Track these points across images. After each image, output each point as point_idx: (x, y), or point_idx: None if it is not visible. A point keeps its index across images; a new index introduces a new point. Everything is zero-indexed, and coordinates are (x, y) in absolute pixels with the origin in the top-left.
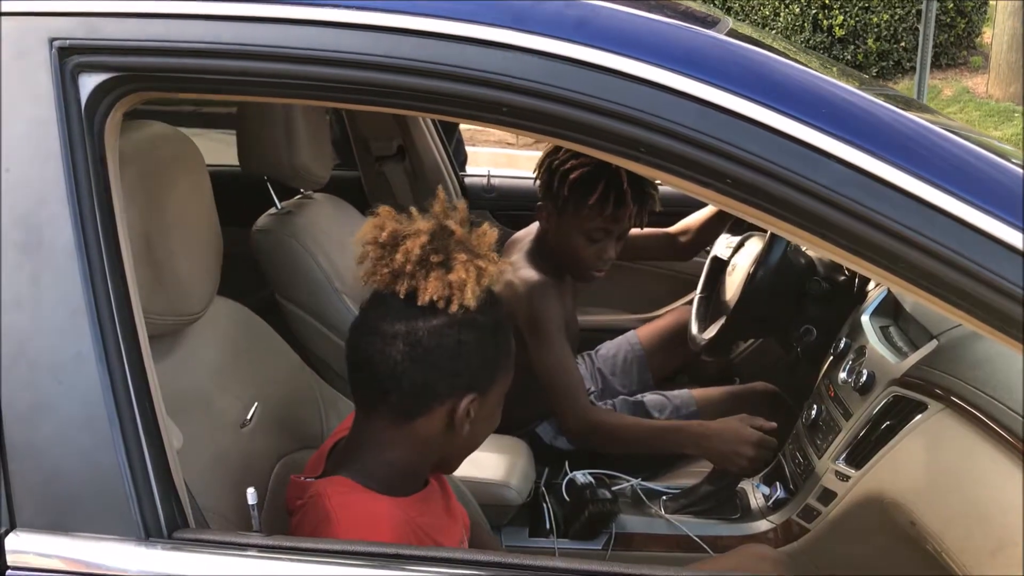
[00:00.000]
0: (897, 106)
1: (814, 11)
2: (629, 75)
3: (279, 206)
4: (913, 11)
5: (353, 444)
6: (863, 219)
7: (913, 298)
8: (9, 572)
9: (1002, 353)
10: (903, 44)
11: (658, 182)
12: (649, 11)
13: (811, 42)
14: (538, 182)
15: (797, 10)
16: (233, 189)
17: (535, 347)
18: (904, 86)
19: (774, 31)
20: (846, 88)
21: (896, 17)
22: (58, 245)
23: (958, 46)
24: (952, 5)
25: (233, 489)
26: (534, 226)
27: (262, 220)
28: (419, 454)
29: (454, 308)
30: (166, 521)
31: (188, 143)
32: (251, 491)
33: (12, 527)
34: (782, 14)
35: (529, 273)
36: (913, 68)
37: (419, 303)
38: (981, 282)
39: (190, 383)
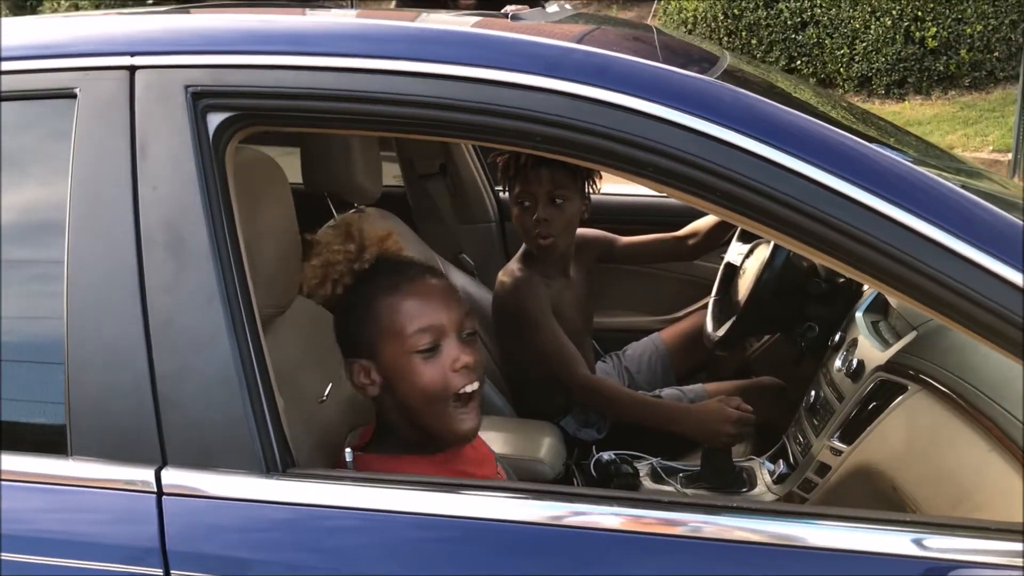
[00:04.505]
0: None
1: (906, 23)
2: (639, 111)
3: (336, 219)
4: (1007, 22)
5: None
6: (827, 224)
7: (887, 293)
8: (164, 498)
9: (970, 341)
10: (996, 54)
11: None
12: (658, 59)
13: (902, 54)
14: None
15: (888, 23)
16: (297, 204)
17: (528, 333)
18: (997, 95)
19: (864, 44)
20: (809, 119)
21: (990, 28)
22: (196, 245)
23: None
24: None
25: (317, 451)
26: None
27: (322, 232)
28: (400, 415)
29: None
30: (281, 460)
31: (275, 165)
32: (348, 451)
33: (164, 464)
34: (872, 27)
35: (513, 268)
36: (1007, 78)
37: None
38: (928, 278)
39: (280, 362)
